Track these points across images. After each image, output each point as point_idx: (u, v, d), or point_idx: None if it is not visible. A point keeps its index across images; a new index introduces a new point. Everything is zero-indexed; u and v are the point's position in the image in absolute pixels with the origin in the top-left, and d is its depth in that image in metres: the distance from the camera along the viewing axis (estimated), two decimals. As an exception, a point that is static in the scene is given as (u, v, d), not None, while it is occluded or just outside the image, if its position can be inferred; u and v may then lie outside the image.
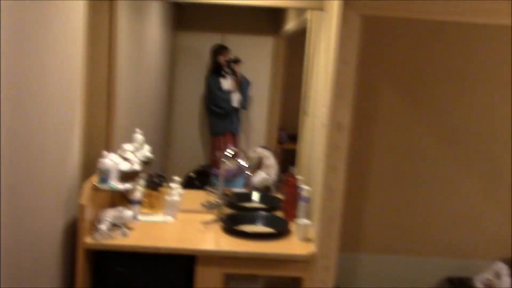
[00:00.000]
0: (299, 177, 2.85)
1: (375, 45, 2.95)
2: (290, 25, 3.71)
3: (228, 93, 3.91)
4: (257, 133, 4.22)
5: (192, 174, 3.70)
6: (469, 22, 2.87)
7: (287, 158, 4.05)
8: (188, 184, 3.51)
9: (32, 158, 1.91)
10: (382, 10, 2.37)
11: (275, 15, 4.04)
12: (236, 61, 3.89)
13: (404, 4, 2.29)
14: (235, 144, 3.97)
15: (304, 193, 2.65)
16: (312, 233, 2.53)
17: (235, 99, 3.92)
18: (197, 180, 3.64)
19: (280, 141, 4.14)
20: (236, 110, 3.95)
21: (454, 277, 2.98)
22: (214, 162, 3.91)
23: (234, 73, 3.89)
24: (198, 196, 3.06)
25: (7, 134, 1.68)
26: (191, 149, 4.18)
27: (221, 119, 3.99)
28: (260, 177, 3.37)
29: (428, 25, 2.93)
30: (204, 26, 4.01)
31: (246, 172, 2.73)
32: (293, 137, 4.10)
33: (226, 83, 3.91)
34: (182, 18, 3.95)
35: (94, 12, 2.57)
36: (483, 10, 2.37)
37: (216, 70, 3.92)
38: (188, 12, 3.94)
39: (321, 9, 2.73)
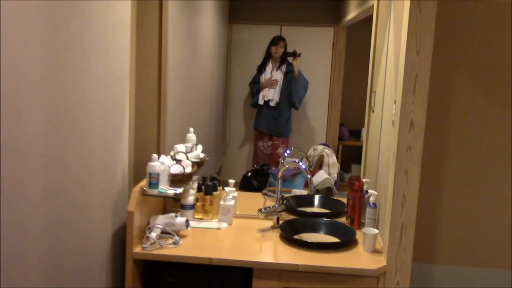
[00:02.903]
0: (365, 180, 2.59)
1: (451, 33, 2.64)
2: (352, 14, 3.45)
3: (256, 88, 3.69)
4: (317, 129, 4.02)
5: (249, 174, 3.51)
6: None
7: (348, 156, 3.83)
8: (245, 184, 3.33)
9: (77, 162, 1.77)
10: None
11: (336, 4, 3.81)
12: (293, 54, 3.65)
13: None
14: (275, 144, 3.78)
15: (371, 198, 2.40)
16: (381, 244, 2.27)
17: (265, 95, 3.68)
18: (255, 180, 3.45)
19: (340, 138, 3.92)
20: (268, 107, 3.71)
21: (544, 293, 2.65)
22: (270, 161, 3.73)
23: (289, 67, 3.66)
24: (255, 199, 2.87)
25: (48, 137, 1.55)
26: (249, 147, 4.02)
27: (257, 114, 3.80)
28: (321, 177, 3.15)
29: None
30: (260, 18, 3.85)
31: (305, 172, 2.51)
32: (354, 133, 3.88)
33: (264, 77, 3.70)
34: (237, 10, 3.80)
35: (142, 9, 2.42)
36: None
37: (263, 62, 3.73)
38: (243, 3, 3.78)
39: (389, -7, 2.46)
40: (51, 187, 1.59)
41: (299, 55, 3.66)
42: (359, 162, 3.89)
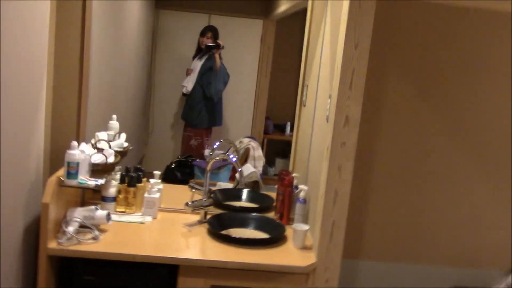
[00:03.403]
0: (294, 174, 2.55)
1: (383, 30, 2.65)
2: (283, 7, 3.40)
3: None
4: (242, 122, 3.96)
5: (173, 165, 3.38)
6: (488, 7, 2.60)
7: (273, 149, 3.81)
8: (168, 176, 3.20)
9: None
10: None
11: (267, -5, 3.77)
12: (215, 46, 3.55)
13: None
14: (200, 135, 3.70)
15: (301, 194, 2.36)
16: (311, 240, 2.24)
17: (183, 83, 3.61)
18: (178, 171, 3.33)
19: (265, 131, 3.89)
20: (186, 96, 3.64)
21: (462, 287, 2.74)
22: (192, 152, 3.64)
23: (211, 59, 3.57)
24: (180, 192, 2.76)
25: None
26: (172, 137, 3.89)
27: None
28: (247, 170, 3.08)
29: (444, 10, 2.63)
30: (189, 5, 3.71)
31: (236, 166, 2.42)
32: (279, 127, 3.86)
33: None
34: (165, -4, 3.65)
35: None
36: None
37: (195, 52, 3.64)
38: (171, -11, 3.65)
39: (326, -14, 2.42)
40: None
41: (222, 47, 3.57)
42: (283, 156, 3.88)
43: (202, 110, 3.66)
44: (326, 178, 2.04)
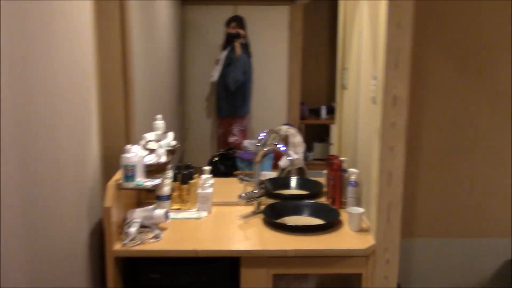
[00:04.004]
0: (343, 158, 2.55)
1: (421, 7, 2.60)
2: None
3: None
4: (276, 109, 3.98)
5: (215, 159, 3.42)
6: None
7: (310, 134, 3.81)
8: (212, 169, 3.25)
9: (47, 160, 1.62)
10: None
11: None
12: (234, 35, 3.59)
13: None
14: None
15: (352, 177, 2.37)
16: (367, 222, 2.25)
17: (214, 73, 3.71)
18: (222, 164, 3.36)
19: (301, 117, 3.90)
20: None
21: (519, 259, 2.71)
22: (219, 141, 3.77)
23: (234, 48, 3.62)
24: (227, 185, 2.79)
25: (18, 137, 1.40)
26: (207, 130, 3.94)
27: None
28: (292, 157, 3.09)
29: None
30: None
31: (286, 155, 2.44)
32: (314, 111, 3.86)
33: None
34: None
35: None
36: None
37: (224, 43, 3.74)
38: (195, -16, 3.69)
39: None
40: (25, 191, 1.45)
41: (243, 35, 3.62)
42: (321, 140, 3.89)
43: (223, 99, 3.72)
44: (379, 160, 2.04)
